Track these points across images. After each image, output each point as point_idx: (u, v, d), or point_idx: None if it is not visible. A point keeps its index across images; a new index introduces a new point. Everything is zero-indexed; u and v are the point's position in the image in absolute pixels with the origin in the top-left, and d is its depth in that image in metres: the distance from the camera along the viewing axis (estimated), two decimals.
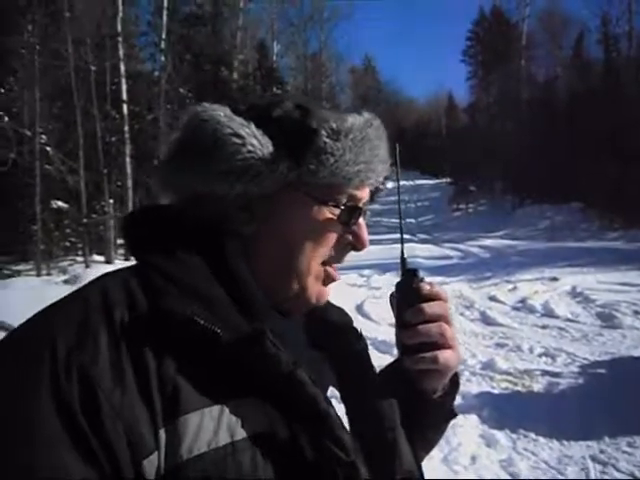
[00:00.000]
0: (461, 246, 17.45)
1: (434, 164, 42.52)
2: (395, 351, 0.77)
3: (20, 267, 13.74)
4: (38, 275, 12.73)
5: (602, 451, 3.50)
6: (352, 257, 0.76)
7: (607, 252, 13.21)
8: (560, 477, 3.28)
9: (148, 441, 0.53)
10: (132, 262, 0.68)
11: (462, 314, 7.75)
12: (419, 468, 0.77)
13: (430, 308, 0.72)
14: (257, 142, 0.66)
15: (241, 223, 0.67)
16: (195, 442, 0.55)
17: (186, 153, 0.68)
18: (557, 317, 7.29)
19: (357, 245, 0.73)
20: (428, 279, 0.75)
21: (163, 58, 17.95)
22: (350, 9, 58.89)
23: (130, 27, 18.33)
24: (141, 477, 0.53)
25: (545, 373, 5.03)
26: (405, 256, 0.77)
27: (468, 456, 3.49)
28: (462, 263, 13.63)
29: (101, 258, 14.90)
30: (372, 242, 0.77)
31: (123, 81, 15.62)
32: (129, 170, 15.35)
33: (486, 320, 7.38)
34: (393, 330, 0.75)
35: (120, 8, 15.39)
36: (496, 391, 4.69)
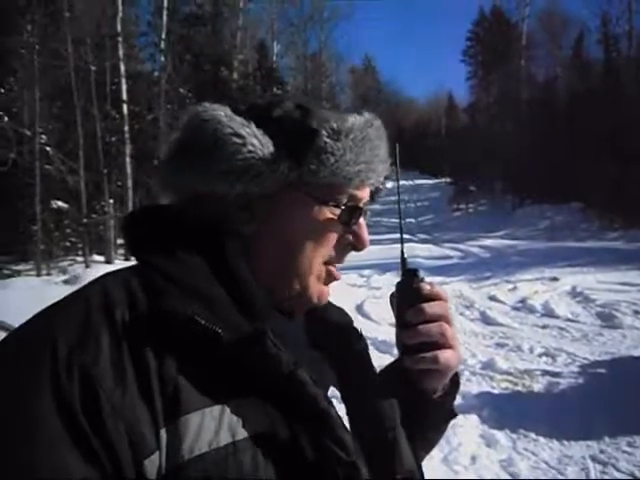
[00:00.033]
0: (461, 246, 17.45)
1: (434, 164, 42.49)
2: (395, 351, 0.77)
3: (20, 267, 13.74)
4: (38, 275, 12.73)
5: (602, 451, 3.50)
6: (352, 257, 0.76)
7: (607, 252, 13.22)
8: (560, 477, 3.28)
9: (149, 441, 0.53)
10: (132, 262, 0.68)
11: (462, 314, 7.75)
12: (419, 468, 0.77)
13: (430, 308, 0.72)
14: (258, 142, 0.66)
15: (241, 223, 0.67)
16: (196, 442, 0.55)
17: (186, 153, 0.68)
18: (557, 317, 7.29)
19: (357, 245, 0.73)
20: (428, 279, 0.75)
21: (163, 58, 17.96)
22: (350, 9, 59.05)
23: (130, 27, 18.34)
24: (142, 477, 0.53)
25: (545, 373, 5.03)
26: (405, 256, 0.77)
27: (468, 456, 3.49)
28: (462, 263, 13.63)
29: (101, 258, 14.90)
30: (372, 242, 0.77)
31: (123, 81, 15.63)
32: (129, 170, 15.35)
33: (486, 320, 7.39)
34: (393, 330, 0.76)
35: (120, 8, 15.40)
36: (496, 391, 4.69)
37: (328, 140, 0.67)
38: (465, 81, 40.84)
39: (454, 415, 0.83)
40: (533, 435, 3.79)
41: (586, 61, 28.31)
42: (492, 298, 8.76)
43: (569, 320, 7.10)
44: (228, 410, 0.58)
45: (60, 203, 14.86)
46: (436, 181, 40.79)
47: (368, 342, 0.83)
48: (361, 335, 0.81)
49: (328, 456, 0.60)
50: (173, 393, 0.55)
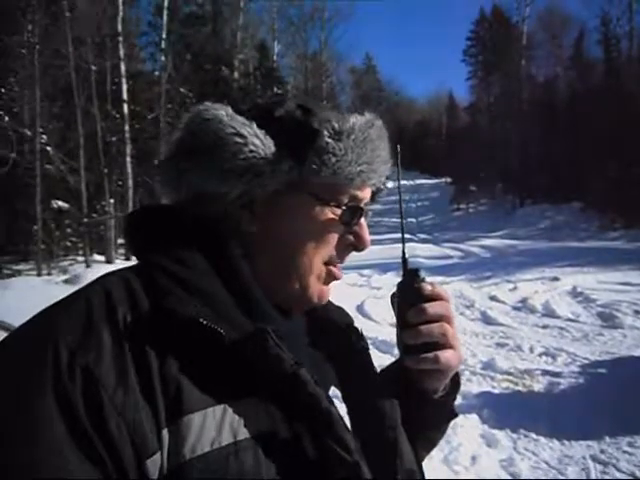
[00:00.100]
0: (461, 246, 17.46)
1: (434, 164, 42.51)
2: (396, 351, 0.77)
3: (21, 267, 13.75)
4: (39, 275, 12.73)
5: (603, 451, 3.50)
6: (353, 257, 0.76)
7: (607, 252, 13.22)
8: (561, 477, 3.28)
9: (151, 441, 0.54)
10: (133, 262, 0.68)
11: (462, 314, 7.75)
12: (420, 468, 0.77)
13: (432, 308, 0.72)
14: (259, 142, 0.66)
15: (242, 222, 0.68)
16: (198, 442, 0.55)
17: (188, 152, 0.68)
18: (558, 317, 7.29)
19: (358, 245, 0.73)
20: (428, 279, 0.75)
21: (163, 58, 17.98)
22: (350, 9, 59.10)
23: (130, 27, 18.34)
24: (144, 477, 0.53)
25: (546, 373, 5.02)
26: (406, 256, 0.77)
27: (468, 456, 3.49)
28: (462, 263, 13.63)
29: (102, 258, 14.91)
30: (372, 242, 0.77)
31: (123, 81, 15.64)
32: (129, 170, 15.37)
33: (487, 320, 7.38)
34: (394, 330, 0.75)
35: (120, 8, 15.40)
36: (497, 391, 4.69)
37: (329, 140, 0.67)
38: (465, 81, 40.95)
39: (455, 415, 0.83)
40: (533, 435, 3.78)
41: (586, 61, 28.33)
42: (492, 298, 8.76)
43: (569, 320, 7.09)
44: (230, 410, 0.58)
45: (61, 203, 14.86)
46: (436, 181, 40.80)
47: (368, 342, 0.83)
48: (361, 335, 0.81)
49: (330, 456, 0.60)
50: (175, 393, 0.56)
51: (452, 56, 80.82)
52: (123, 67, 15.59)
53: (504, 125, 29.59)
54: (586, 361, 5.28)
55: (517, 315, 7.65)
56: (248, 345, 0.59)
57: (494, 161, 28.14)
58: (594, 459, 3.42)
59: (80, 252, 15.09)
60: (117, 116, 15.76)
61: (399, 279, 0.76)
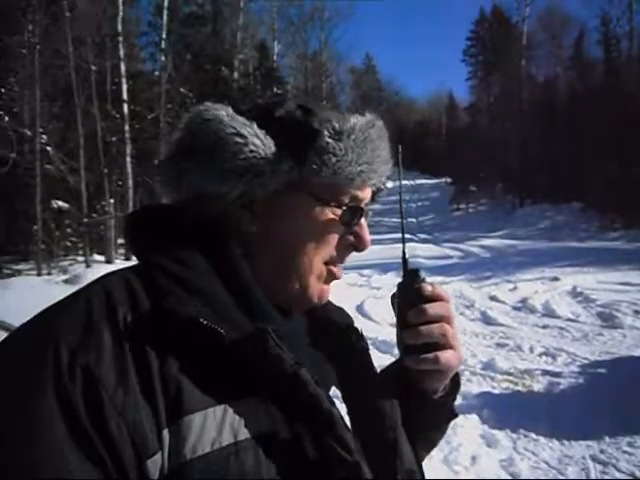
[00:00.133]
0: (461, 246, 17.46)
1: (434, 164, 42.51)
2: (396, 351, 0.77)
3: (21, 267, 13.74)
4: (39, 275, 12.73)
5: (602, 451, 3.50)
6: (352, 257, 0.76)
7: (607, 252, 13.23)
8: (560, 477, 3.28)
9: (152, 441, 0.54)
10: (133, 262, 0.68)
11: (462, 314, 7.75)
12: (420, 468, 0.77)
13: (432, 309, 0.72)
14: (259, 142, 0.66)
15: (243, 222, 0.68)
16: (199, 442, 0.55)
17: (188, 152, 0.68)
18: (557, 317, 7.29)
19: (359, 246, 0.73)
20: (428, 279, 0.75)
21: (163, 58, 17.99)
22: (350, 9, 59.11)
23: (130, 27, 18.35)
24: (145, 477, 0.53)
25: (545, 373, 5.02)
26: (407, 256, 0.77)
27: (468, 456, 3.49)
28: (462, 263, 13.63)
29: (102, 258, 14.92)
30: (373, 242, 0.77)
31: (123, 81, 15.64)
32: (129, 170, 15.37)
33: (487, 320, 7.38)
34: (394, 330, 0.75)
35: (120, 8, 15.41)
36: (497, 391, 4.69)
37: (330, 140, 0.67)
38: (465, 81, 40.95)
39: (455, 415, 0.83)
40: (533, 435, 3.79)
41: (586, 61, 28.34)
42: (492, 298, 8.76)
43: (569, 320, 7.09)
44: (230, 410, 0.58)
45: (60, 203, 14.86)
46: (436, 181, 40.81)
47: (368, 342, 0.83)
48: (361, 335, 0.81)
49: (330, 456, 0.60)
50: (176, 393, 0.56)
51: (452, 56, 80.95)
52: (123, 67, 15.59)
53: (504, 125, 29.60)
54: (586, 361, 5.28)
55: (517, 315, 7.65)
56: (248, 345, 0.59)
57: (494, 161, 28.15)
58: (594, 459, 3.42)
59: (80, 252, 15.09)
60: (117, 116, 15.77)
61: (399, 279, 0.76)
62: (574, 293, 8.65)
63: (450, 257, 14.92)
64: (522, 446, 3.67)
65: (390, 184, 0.80)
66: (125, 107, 15.45)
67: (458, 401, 0.85)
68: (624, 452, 3.46)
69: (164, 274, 0.62)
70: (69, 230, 15.35)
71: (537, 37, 31.32)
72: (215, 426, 0.56)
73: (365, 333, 0.83)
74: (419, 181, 40.85)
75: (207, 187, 0.66)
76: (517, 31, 31.12)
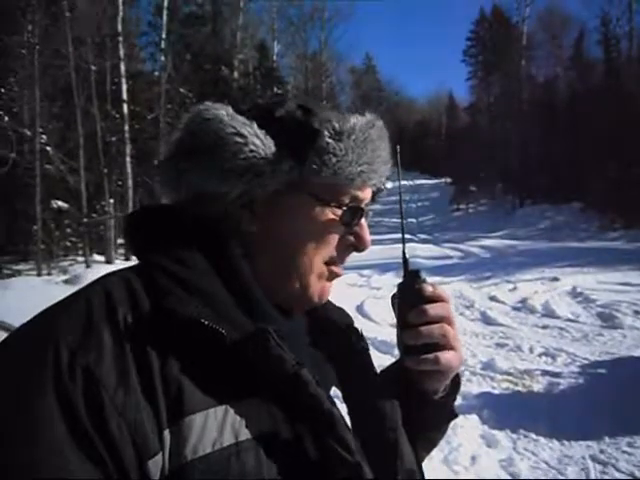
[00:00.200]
0: (461, 246, 17.46)
1: (434, 164, 42.52)
2: (396, 351, 0.77)
3: (20, 267, 13.75)
4: (39, 275, 12.73)
5: (602, 451, 3.50)
6: (352, 257, 0.76)
7: (607, 252, 13.23)
8: (560, 477, 3.28)
9: (152, 442, 0.53)
10: (133, 262, 0.68)
11: (462, 314, 7.75)
12: (420, 468, 0.77)
13: (432, 309, 0.72)
14: (259, 142, 0.66)
15: (243, 222, 0.68)
16: (200, 443, 0.55)
17: (188, 152, 0.68)
18: (557, 317, 7.29)
19: (359, 246, 0.73)
20: (428, 279, 0.75)
21: (163, 58, 17.99)
22: (350, 9, 59.16)
23: (130, 27, 18.35)
24: (145, 478, 0.53)
25: (545, 373, 5.02)
26: (407, 257, 0.77)
27: (468, 456, 3.49)
28: (462, 263, 13.63)
29: (101, 258, 14.92)
30: (373, 242, 0.77)
31: (123, 81, 15.65)
32: (129, 170, 15.38)
33: (486, 320, 7.38)
34: (394, 330, 0.75)
35: (120, 8, 15.42)
36: (496, 391, 4.69)
37: (330, 140, 0.67)
38: (465, 81, 40.96)
39: (455, 415, 0.83)
40: (533, 435, 3.79)
41: (586, 61, 28.35)
42: (492, 298, 8.76)
43: (569, 320, 7.09)
44: (232, 411, 0.58)
45: (60, 203, 14.86)
46: (436, 181, 40.81)
47: (368, 342, 0.83)
48: (361, 335, 0.81)
49: (331, 456, 0.60)
50: (176, 394, 0.55)
51: (452, 56, 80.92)
52: (123, 67, 15.60)
53: (504, 125, 29.60)
54: (586, 361, 5.28)
55: (517, 315, 7.64)
56: (249, 345, 0.59)
57: (494, 161, 28.16)
58: (594, 459, 3.42)
59: (80, 252, 15.09)
60: (117, 116, 15.77)
61: (399, 279, 0.76)
62: (574, 293, 8.65)
63: (450, 257, 14.92)
64: (522, 446, 3.67)
65: (390, 184, 0.80)
66: (125, 107, 15.45)
67: (458, 401, 0.85)
68: (624, 452, 3.46)
69: (164, 274, 0.61)
70: (69, 230, 15.35)
71: (537, 37, 31.36)
72: (216, 426, 0.56)
73: (365, 333, 0.83)
74: (419, 181, 40.85)
75: (207, 187, 0.66)
76: (517, 31, 31.13)
